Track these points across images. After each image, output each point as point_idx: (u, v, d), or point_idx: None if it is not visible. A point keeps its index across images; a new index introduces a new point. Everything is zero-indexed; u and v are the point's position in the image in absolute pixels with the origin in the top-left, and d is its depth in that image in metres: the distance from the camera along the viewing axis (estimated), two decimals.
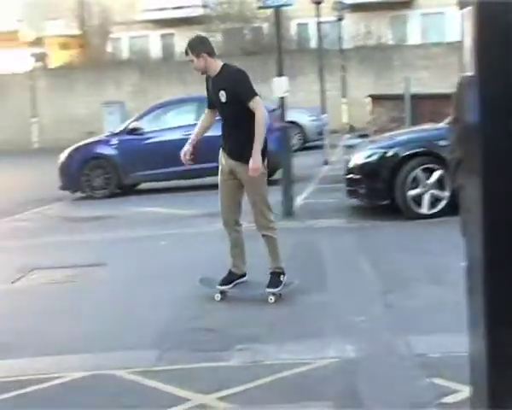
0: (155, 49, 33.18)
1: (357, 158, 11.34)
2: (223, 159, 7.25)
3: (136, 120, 16.16)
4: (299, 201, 12.69)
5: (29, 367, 5.83)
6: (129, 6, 32.82)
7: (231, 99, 6.95)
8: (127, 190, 15.88)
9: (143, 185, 16.23)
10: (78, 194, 15.74)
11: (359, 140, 17.04)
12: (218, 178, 7.30)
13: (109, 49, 32.98)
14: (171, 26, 32.81)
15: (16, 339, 6.57)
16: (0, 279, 8.79)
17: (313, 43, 29.35)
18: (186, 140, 15.34)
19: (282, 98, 11.39)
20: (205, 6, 31.80)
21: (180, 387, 5.19)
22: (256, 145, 6.79)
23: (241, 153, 6.98)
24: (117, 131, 16.41)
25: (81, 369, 5.67)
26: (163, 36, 33.65)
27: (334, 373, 5.24)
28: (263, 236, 7.19)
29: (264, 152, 6.89)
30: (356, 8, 30.89)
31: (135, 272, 8.87)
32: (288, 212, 11.35)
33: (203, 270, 7.93)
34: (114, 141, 15.86)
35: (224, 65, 7.15)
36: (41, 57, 31.60)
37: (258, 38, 30.96)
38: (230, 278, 7.33)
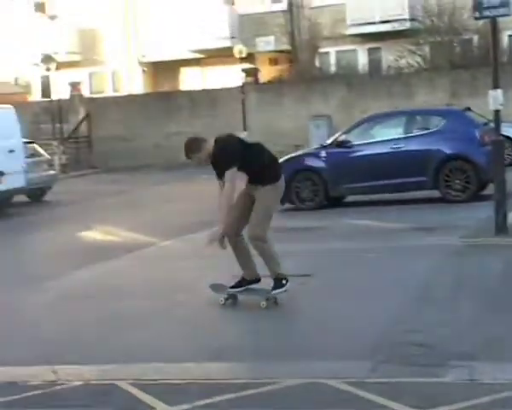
0: (362, 63, 33.21)
1: None
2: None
3: (345, 133, 16.23)
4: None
5: (245, 371, 5.99)
6: (337, 21, 33.05)
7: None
8: (334, 202, 15.96)
9: (350, 198, 16.25)
10: (287, 205, 16.01)
11: None
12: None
13: (317, 63, 33.37)
14: (378, 40, 32.73)
15: (231, 343, 6.76)
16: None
17: None
18: (394, 154, 15.10)
19: (497, 111, 11.05)
20: (413, 19, 31.47)
21: (393, 400, 5.14)
22: (219, 215, 7.68)
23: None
24: (326, 144, 16.55)
25: (295, 376, 5.75)
26: (370, 50, 33.65)
27: None
28: (255, 247, 7.87)
29: (277, 176, 8.09)
30: None
31: (343, 283, 8.90)
32: (502, 228, 10.95)
33: (411, 285, 7.82)
34: (323, 154, 16.00)
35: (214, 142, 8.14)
36: (252, 73, 32.49)
37: (466, 51, 30.23)
38: (240, 284, 8.04)
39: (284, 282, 7.90)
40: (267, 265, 7.93)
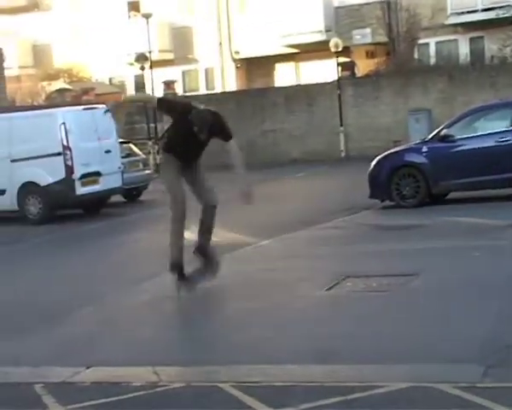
0: (463, 54, 32.62)
1: None
2: None
3: (447, 126, 15.94)
4: None
5: (351, 374, 5.95)
6: (437, 10, 32.56)
7: None
8: (436, 199, 15.71)
9: (453, 195, 15.98)
10: (387, 202, 15.86)
11: None
12: None
13: (416, 55, 32.94)
14: (480, 29, 32.09)
15: (335, 345, 6.75)
16: (317, 286, 9.07)
17: None
18: (501, 147, 14.81)
19: None
20: None
21: (509, 406, 5.01)
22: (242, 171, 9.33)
23: None
24: (427, 138, 16.31)
25: (402, 380, 5.68)
26: (472, 39, 33.01)
27: None
28: (214, 207, 9.12)
29: None
30: None
31: (449, 282, 8.75)
32: None
33: None
34: (424, 149, 15.77)
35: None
36: (348, 66, 32.33)
37: None
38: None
39: None
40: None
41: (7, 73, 34.45)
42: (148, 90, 31.43)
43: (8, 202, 18.47)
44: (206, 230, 9.45)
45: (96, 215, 18.80)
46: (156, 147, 30.06)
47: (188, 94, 35.91)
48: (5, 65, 33.76)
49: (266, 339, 7.16)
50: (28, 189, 18.28)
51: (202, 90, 37.84)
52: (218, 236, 13.97)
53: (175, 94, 33.75)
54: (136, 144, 23.72)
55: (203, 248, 9.42)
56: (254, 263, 11.09)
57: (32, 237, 16.27)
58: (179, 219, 9.09)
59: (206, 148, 9.36)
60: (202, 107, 9.15)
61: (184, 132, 8.92)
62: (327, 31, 34.24)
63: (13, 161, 18.33)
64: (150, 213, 18.63)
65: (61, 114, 18.62)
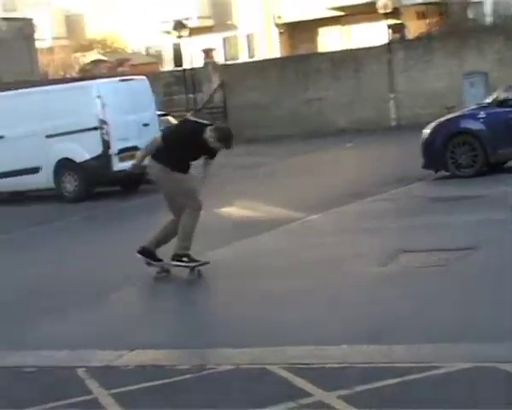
0: None
1: None
2: None
3: (506, 90, 15.71)
4: None
5: (407, 354, 5.93)
6: None
7: None
8: (494, 167, 15.52)
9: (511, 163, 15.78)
10: (441, 173, 15.71)
11: None
12: None
13: (470, 14, 32.54)
14: None
15: (391, 324, 6.72)
16: (370, 263, 9.04)
17: None
18: None
19: None
20: None
21: None
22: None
23: None
24: (484, 103, 16.10)
25: (463, 359, 5.63)
26: None
27: None
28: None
29: None
30: None
31: (509, 256, 8.65)
32: None
33: None
34: (482, 115, 15.57)
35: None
36: (398, 29, 32.03)
37: None
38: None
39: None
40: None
41: (39, 44, 34.74)
42: (187, 59, 31.47)
43: (45, 180, 18.67)
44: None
45: (135, 192, 18.91)
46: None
47: (228, 62, 35.90)
48: (36, 36, 34.03)
49: (318, 319, 7.16)
50: (64, 165, 18.45)
51: (244, 58, 37.80)
52: (263, 210, 14.04)
53: (214, 63, 33.75)
54: (175, 117, 23.79)
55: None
56: (303, 239, 11.08)
57: (69, 215, 16.44)
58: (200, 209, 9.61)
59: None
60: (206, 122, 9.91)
61: (198, 152, 9.51)
62: None
63: (48, 136, 18.49)
64: None
65: (97, 86, 18.73)
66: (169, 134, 9.97)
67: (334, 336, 6.59)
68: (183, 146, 9.44)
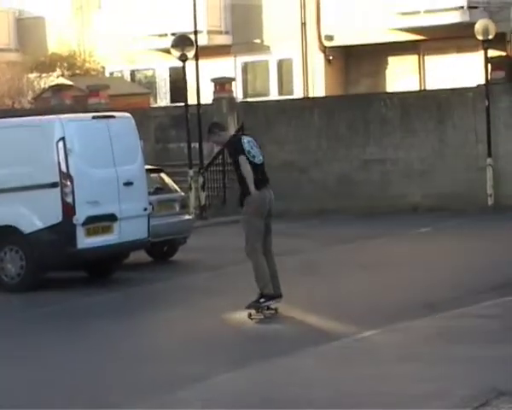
0: None
1: None
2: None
3: None
4: None
5: None
6: None
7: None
8: None
9: None
10: None
11: None
12: None
13: None
14: None
15: None
16: (451, 406, 9.08)
17: None
18: None
19: None
20: None
21: None
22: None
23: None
24: None
25: None
26: None
27: None
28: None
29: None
30: None
31: None
32: None
33: None
34: None
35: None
36: (502, 64, 32.22)
37: None
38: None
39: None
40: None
41: None
42: (191, 92, 31.70)
43: None
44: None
45: (108, 281, 18.94)
46: (201, 179, 30.20)
47: (251, 99, 36.20)
48: None
49: None
50: (5, 237, 18.51)
51: (272, 94, 38.03)
52: (298, 319, 14.08)
53: (230, 99, 33.98)
54: (170, 174, 23.91)
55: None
56: (353, 367, 11.09)
57: (7, 314, 16.43)
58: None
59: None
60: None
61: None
62: (470, 7, 34.26)
63: None
64: (188, 282, 18.80)
65: (59, 124, 18.76)
66: None
67: None
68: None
